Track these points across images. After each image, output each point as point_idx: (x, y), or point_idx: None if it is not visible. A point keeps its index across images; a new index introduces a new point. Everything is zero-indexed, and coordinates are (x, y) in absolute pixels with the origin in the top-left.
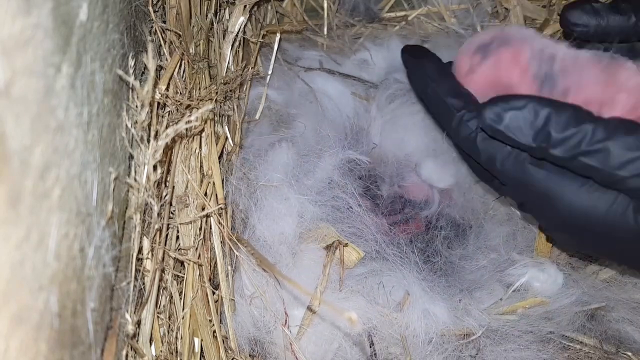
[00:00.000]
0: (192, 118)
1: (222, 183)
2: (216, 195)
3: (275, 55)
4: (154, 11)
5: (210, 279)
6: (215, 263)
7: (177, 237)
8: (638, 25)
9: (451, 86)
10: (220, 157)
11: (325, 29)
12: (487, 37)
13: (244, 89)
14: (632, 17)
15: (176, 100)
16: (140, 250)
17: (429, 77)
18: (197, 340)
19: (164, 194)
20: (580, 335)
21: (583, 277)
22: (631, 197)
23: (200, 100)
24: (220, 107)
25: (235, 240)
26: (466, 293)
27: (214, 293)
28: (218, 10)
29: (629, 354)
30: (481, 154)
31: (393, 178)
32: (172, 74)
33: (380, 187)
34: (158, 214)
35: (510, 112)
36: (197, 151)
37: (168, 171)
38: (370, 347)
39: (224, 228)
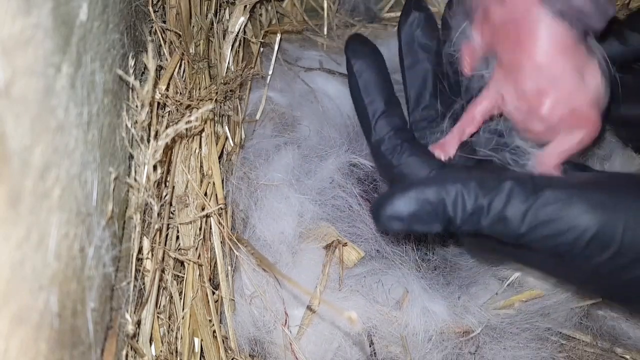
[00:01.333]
0: (192, 118)
1: (222, 183)
2: (216, 195)
3: (276, 56)
4: (154, 11)
5: (210, 279)
6: (215, 263)
7: (177, 237)
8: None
9: (380, 103)
10: (220, 157)
11: (325, 29)
12: None
13: (244, 89)
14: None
15: (176, 100)
16: (140, 250)
17: (362, 85)
18: (197, 340)
19: (164, 194)
20: (578, 332)
21: None
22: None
23: (200, 100)
24: (220, 107)
25: (235, 240)
26: (464, 289)
27: (214, 293)
28: (218, 10)
29: (629, 352)
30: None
31: None
32: (172, 74)
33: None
34: (158, 214)
35: (406, 211)
36: (197, 151)
37: (168, 171)
38: (370, 346)
39: (224, 228)
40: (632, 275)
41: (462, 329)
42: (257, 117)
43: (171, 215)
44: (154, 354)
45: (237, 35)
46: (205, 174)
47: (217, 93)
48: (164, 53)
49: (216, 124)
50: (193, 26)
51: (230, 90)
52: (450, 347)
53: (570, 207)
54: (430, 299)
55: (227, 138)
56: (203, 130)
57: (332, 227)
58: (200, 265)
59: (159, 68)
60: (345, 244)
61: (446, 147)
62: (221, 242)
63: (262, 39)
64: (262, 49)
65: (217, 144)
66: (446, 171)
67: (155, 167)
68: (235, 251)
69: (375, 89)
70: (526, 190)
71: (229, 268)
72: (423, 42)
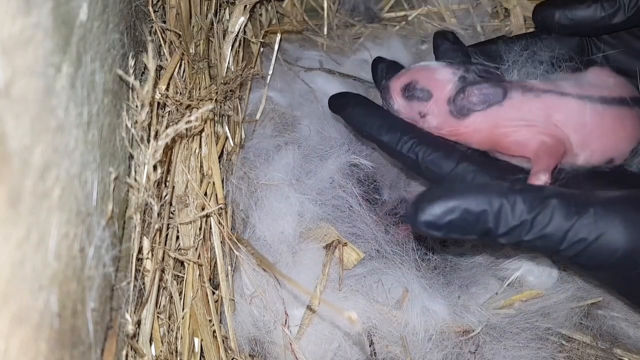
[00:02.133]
0: (192, 118)
1: (222, 183)
2: (216, 195)
3: (276, 56)
4: (154, 11)
5: (210, 279)
6: (215, 263)
7: (177, 237)
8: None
9: (381, 123)
10: (220, 157)
11: (325, 29)
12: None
13: (244, 89)
14: (599, 10)
15: (176, 100)
16: (140, 250)
17: (358, 123)
18: (197, 340)
19: (164, 194)
20: (578, 332)
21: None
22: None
23: (200, 100)
24: (220, 107)
25: (235, 240)
26: (464, 289)
27: (214, 293)
28: (218, 10)
29: (628, 353)
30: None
31: (395, 182)
32: (172, 74)
33: (381, 191)
34: (158, 214)
35: (445, 219)
36: (197, 151)
37: (168, 171)
38: (370, 346)
39: (224, 228)
40: None
41: (462, 328)
42: (257, 117)
43: (171, 215)
44: (154, 354)
45: (237, 35)
46: (205, 174)
47: (217, 93)
48: (164, 53)
49: (216, 124)
50: (193, 26)
51: (230, 90)
52: (450, 347)
53: (608, 225)
54: (430, 298)
55: (227, 138)
56: (203, 130)
57: (332, 227)
58: (200, 265)
59: (159, 68)
60: (345, 244)
61: None
62: (221, 242)
63: (262, 39)
64: (262, 49)
65: (217, 144)
66: (487, 181)
67: (155, 167)
68: (235, 251)
69: (369, 117)
70: (569, 207)
71: (229, 268)
72: None
